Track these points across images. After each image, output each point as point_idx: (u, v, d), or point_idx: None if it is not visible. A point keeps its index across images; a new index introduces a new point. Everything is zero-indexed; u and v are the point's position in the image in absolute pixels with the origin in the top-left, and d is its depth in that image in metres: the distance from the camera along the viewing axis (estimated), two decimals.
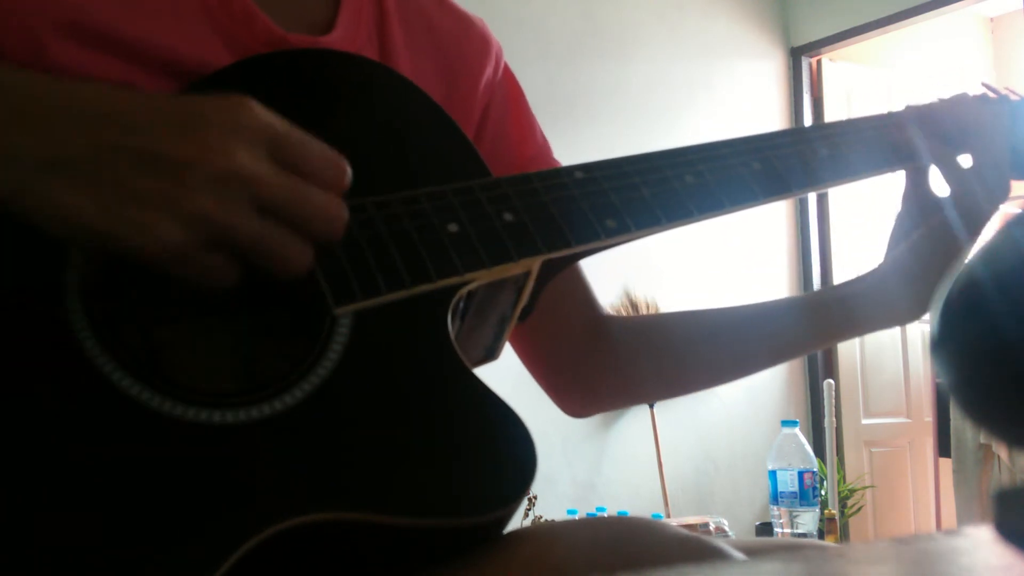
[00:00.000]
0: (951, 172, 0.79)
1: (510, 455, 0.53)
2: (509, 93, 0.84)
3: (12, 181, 0.48)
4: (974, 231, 0.78)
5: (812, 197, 4.28)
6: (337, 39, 0.71)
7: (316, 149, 0.54)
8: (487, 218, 0.62)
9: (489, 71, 0.82)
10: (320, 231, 0.53)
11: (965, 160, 0.80)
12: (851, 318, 0.82)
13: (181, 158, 0.49)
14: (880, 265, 0.82)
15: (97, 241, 0.49)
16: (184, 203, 0.49)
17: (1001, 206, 0.80)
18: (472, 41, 0.82)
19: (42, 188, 0.48)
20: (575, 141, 3.47)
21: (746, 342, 0.85)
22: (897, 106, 0.85)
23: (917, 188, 0.83)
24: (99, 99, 0.51)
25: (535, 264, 0.62)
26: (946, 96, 0.84)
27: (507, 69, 0.85)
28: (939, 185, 0.81)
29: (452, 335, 0.57)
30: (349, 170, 0.54)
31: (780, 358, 0.87)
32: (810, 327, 0.83)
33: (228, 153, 0.50)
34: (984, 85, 0.86)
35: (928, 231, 0.79)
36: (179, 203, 0.49)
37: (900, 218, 0.84)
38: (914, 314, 0.80)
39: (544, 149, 0.85)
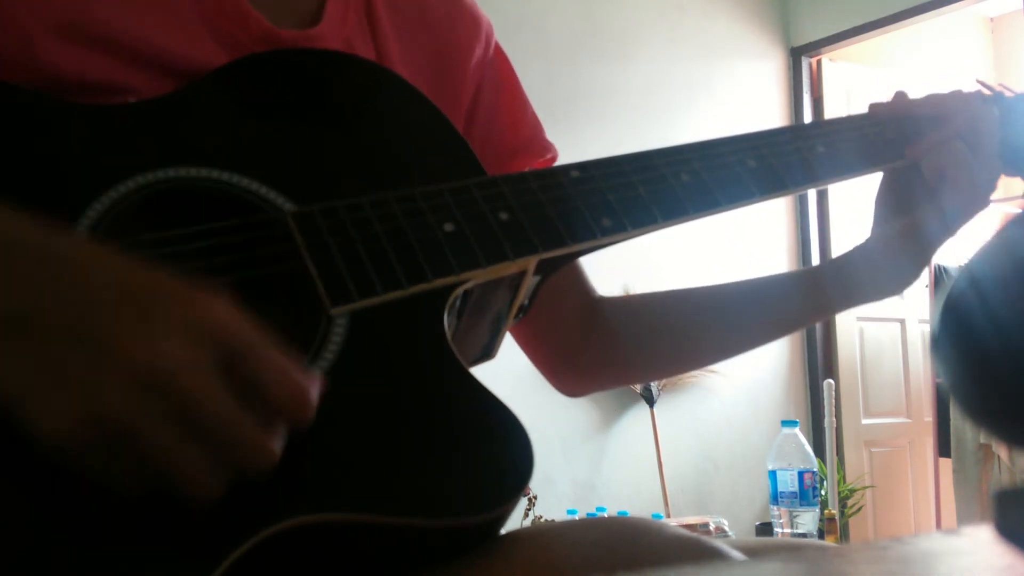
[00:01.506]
0: (941, 165, 0.79)
1: (507, 454, 0.53)
2: (501, 73, 0.84)
3: None
4: (961, 222, 0.79)
5: (812, 194, 4.28)
6: (326, 30, 0.71)
7: (281, 372, 0.47)
8: (483, 217, 0.62)
9: (479, 50, 0.81)
10: (242, 463, 0.46)
11: (957, 154, 0.79)
12: (843, 289, 0.83)
13: (113, 344, 0.44)
14: (868, 240, 0.83)
15: (7, 405, 0.44)
16: (93, 393, 0.43)
17: (1002, 206, 0.80)
18: (462, 20, 0.81)
19: None
20: (575, 141, 3.47)
21: (737, 318, 0.86)
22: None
23: (898, 180, 0.83)
24: (64, 255, 0.47)
25: (531, 263, 0.62)
26: (940, 92, 0.84)
27: (498, 47, 0.85)
28: (929, 175, 0.81)
29: (448, 334, 0.57)
30: (313, 403, 0.47)
31: (773, 333, 0.87)
32: (803, 300, 0.84)
33: (163, 350, 0.44)
34: (978, 82, 0.86)
35: (915, 219, 0.79)
36: (87, 391, 0.43)
37: (886, 188, 0.84)
38: (901, 287, 0.82)
39: (537, 129, 0.85)
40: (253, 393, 0.46)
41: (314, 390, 0.48)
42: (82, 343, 0.44)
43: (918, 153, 0.79)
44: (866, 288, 0.82)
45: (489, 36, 0.83)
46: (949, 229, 0.78)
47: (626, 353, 0.88)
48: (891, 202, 0.82)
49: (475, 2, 0.84)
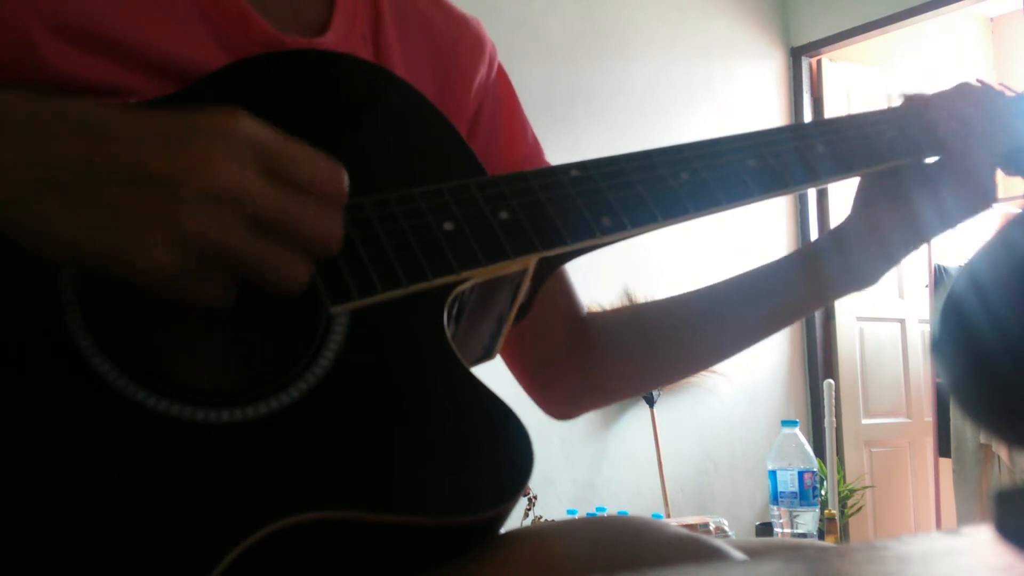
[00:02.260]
0: (940, 165, 0.79)
1: (507, 453, 0.53)
2: (502, 94, 0.84)
3: (3, 199, 0.48)
4: (953, 222, 0.79)
5: (812, 193, 4.28)
6: (331, 40, 0.71)
7: (311, 161, 0.52)
8: (483, 216, 0.62)
9: (483, 71, 0.82)
10: (316, 246, 0.52)
11: (953, 155, 0.80)
12: (823, 275, 0.83)
13: (170, 175, 0.48)
14: (844, 224, 0.83)
15: (87, 262, 0.48)
16: (175, 222, 0.47)
17: (1002, 206, 0.80)
18: (466, 41, 0.82)
19: (33, 208, 0.47)
20: (575, 141, 3.48)
21: (732, 317, 0.86)
22: (895, 103, 0.85)
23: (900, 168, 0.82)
24: (89, 117, 0.50)
25: (531, 262, 0.62)
26: (941, 90, 0.84)
27: (501, 69, 0.85)
28: (923, 174, 0.81)
29: (448, 333, 0.57)
30: (346, 180, 0.53)
31: (773, 325, 0.86)
32: (783, 294, 0.84)
33: (218, 168, 0.48)
34: (979, 81, 0.87)
35: (902, 214, 0.79)
36: (170, 223, 0.47)
37: (868, 179, 0.84)
38: (872, 281, 0.82)
39: (535, 150, 0.85)
40: (296, 184, 0.51)
41: (343, 170, 0.53)
42: (139, 182, 0.48)
43: (924, 152, 0.79)
44: (839, 278, 0.82)
45: (493, 58, 0.84)
46: (946, 220, 0.78)
47: (610, 370, 0.87)
48: (885, 185, 0.82)
49: (480, 24, 0.85)
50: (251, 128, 0.51)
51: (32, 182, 0.48)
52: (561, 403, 0.88)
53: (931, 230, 0.80)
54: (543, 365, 0.86)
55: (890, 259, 0.81)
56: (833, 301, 0.84)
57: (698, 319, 0.86)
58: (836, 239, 0.84)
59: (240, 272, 0.50)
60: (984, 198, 0.79)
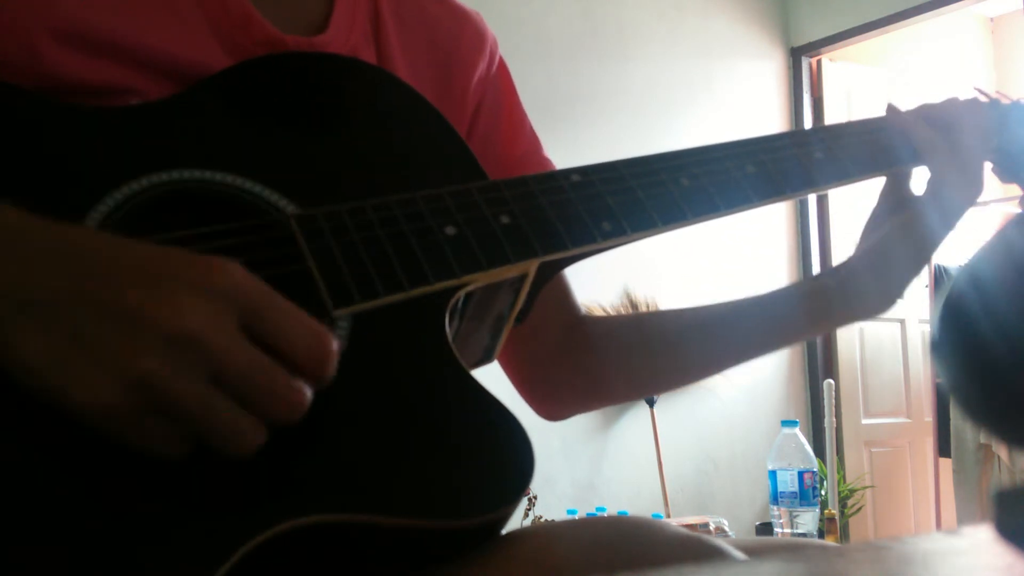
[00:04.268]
0: (935, 172, 0.79)
1: (508, 456, 0.53)
2: (502, 88, 0.84)
3: None
4: (946, 229, 0.79)
5: (812, 199, 4.28)
6: (332, 38, 0.71)
7: (297, 327, 0.49)
8: (484, 221, 0.62)
9: (483, 65, 0.82)
10: (275, 418, 0.48)
11: (948, 161, 0.80)
12: (826, 311, 0.81)
13: (140, 313, 0.46)
14: (851, 258, 0.82)
15: (36, 386, 0.46)
16: (126, 361, 0.45)
17: (1002, 206, 0.80)
18: (467, 35, 0.81)
19: (6, 327, 0.46)
20: (575, 141, 3.48)
21: (715, 342, 0.84)
22: (895, 102, 0.85)
23: (896, 185, 0.83)
24: (82, 244, 0.49)
25: (532, 266, 0.62)
26: (935, 100, 0.84)
27: (501, 62, 0.85)
28: (916, 184, 0.82)
29: (450, 337, 0.57)
30: (333, 355, 0.49)
31: (751, 354, 0.85)
32: (803, 315, 0.82)
33: (189, 314, 0.46)
34: (976, 89, 0.87)
35: (898, 227, 0.79)
36: (120, 360, 0.45)
37: (875, 213, 0.83)
38: (883, 307, 0.80)
39: (534, 144, 0.85)
40: (275, 349, 0.48)
41: (333, 343, 0.49)
42: (110, 316, 0.46)
43: (920, 160, 0.80)
44: (849, 306, 0.80)
45: (493, 51, 0.84)
46: (946, 219, 0.78)
47: (603, 373, 0.86)
48: (889, 202, 0.82)
49: (481, 17, 0.85)
50: (239, 280, 0.48)
51: (15, 303, 0.46)
52: (551, 403, 0.88)
53: (936, 235, 0.79)
54: (535, 363, 0.86)
55: (899, 285, 0.79)
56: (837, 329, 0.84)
57: (695, 333, 0.85)
58: (842, 273, 0.82)
59: (188, 426, 0.47)
60: (977, 188, 0.79)
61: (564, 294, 0.85)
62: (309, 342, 0.48)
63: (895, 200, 0.82)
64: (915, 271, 0.80)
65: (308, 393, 0.48)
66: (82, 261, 0.48)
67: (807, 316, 0.82)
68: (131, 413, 0.45)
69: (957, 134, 0.79)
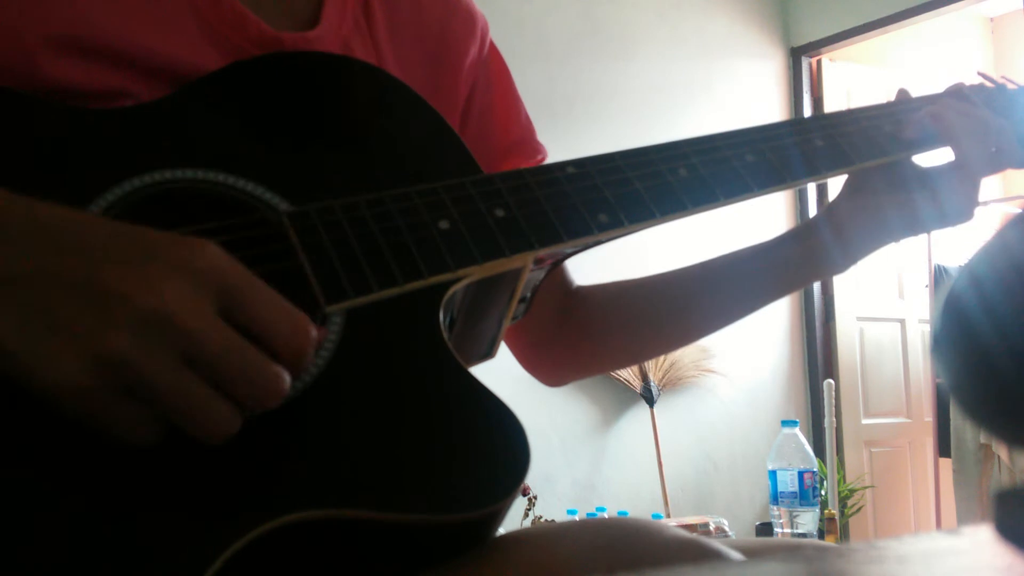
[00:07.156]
0: (937, 160, 0.80)
1: (503, 450, 0.53)
2: (495, 70, 0.84)
3: None
4: (950, 220, 0.79)
5: (812, 190, 4.28)
6: (324, 32, 0.71)
7: (276, 311, 0.48)
8: (478, 214, 0.62)
9: (475, 49, 0.81)
10: (249, 402, 0.47)
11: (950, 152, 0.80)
12: (805, 261, 0.83)
13: (114, 292, 0.45)
14: (842, 210, 0.82)
15: (8, 366, 0.44)
16: (96, 340, 0.44)
17: (1002, 206, 0.80)
18: (458, 18, 0.81)
19: None
20: (575, 141, 3.47)
21: (721, 297, 0.87)
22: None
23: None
24: (55, 221, 0.48)
25: (528, 259, 0.62)
26: (940, 88, 0.84)
27: (493, 45, 0.85)
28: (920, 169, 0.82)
29: (444, 331, 0.57)
30: (312, 341, 0.49)
31: (756, 304, 0.86)
32: (784, 267, 0.84)
33: (164, 293, 0.45)
34: (980, 75, 0.87)
35: (900, 201, 0.79)
36: (91, 339, 0.44)
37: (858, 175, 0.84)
38: (845, 267, 0.82)
39: (529, 130, 0.85)
40: (253, 333, 0.47)
41: (312, 329, 0.48)
42: (83, 293, 0.45)
43: (922, 147, 0.79)
44: (817, 261, 0.82)
45: (485, 34, 0.83)
46: (943, 217, 0.78)
47: (600, 339, 0.88)
48: (888, 176, 0.82)
49: (472, 1, 0.84)
50: (217, 261, 0.47)
51: None
52: (551, 372, 0.90)
53: (928, 223, 0.80)
54: (536, 336, 0.87)
55: (888, 236, 0.81)
56: (825, 278, 0.85)
57: (701, 293, 0.87)
58: (830, 215, 0.83)
59: (159, 408, 0.46)
60: (976, 190, 0.79)
61: (562, 274, 0.86)
62: (287, 327, 0.48)
63: (896, 171, 0.82)
64: (907, 234, 0.81)
65: (286, 378, 0.47)
66: (59, 237, 0.47)
67: (804, 258, 0.83)
68: (101, 394, 0.44)
69: (979, 110, 0.79)
